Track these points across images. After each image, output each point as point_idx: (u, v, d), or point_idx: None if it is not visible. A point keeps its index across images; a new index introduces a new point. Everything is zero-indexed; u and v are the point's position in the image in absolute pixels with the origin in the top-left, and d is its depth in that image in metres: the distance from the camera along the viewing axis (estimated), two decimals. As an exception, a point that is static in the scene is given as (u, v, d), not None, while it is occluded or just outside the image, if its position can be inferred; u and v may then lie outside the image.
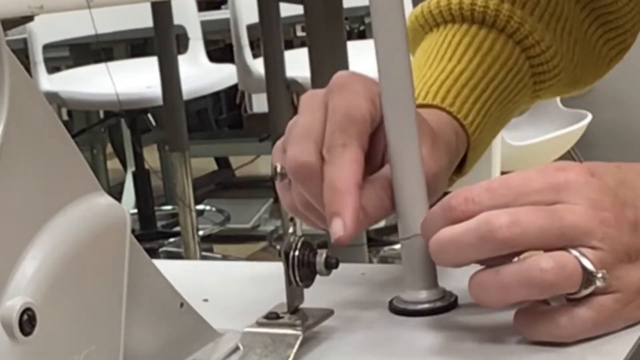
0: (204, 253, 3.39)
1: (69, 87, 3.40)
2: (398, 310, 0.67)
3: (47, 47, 3.47)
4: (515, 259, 0.60)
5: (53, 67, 3.80)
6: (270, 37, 2.81)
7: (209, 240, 3.74)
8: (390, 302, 0.68)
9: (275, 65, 2.82)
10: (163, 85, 3.05)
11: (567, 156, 2.25)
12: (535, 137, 2.27)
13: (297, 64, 2.71)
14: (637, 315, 0.61)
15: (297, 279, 0.63)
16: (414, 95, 0.68)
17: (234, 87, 3.66)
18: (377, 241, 3.20)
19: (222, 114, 5.09)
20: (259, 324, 0.64)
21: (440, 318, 0.66)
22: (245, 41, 3.29)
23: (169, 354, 0.61)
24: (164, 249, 3.67)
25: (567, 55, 0.87)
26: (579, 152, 2.25)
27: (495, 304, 0.60)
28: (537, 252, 0.60)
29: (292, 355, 0.61)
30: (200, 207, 3.84)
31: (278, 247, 3.53)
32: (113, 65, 3.72)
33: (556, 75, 0.86)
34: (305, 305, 0.65)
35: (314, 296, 0.65)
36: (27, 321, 0.50)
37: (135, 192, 3.81)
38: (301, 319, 0.63)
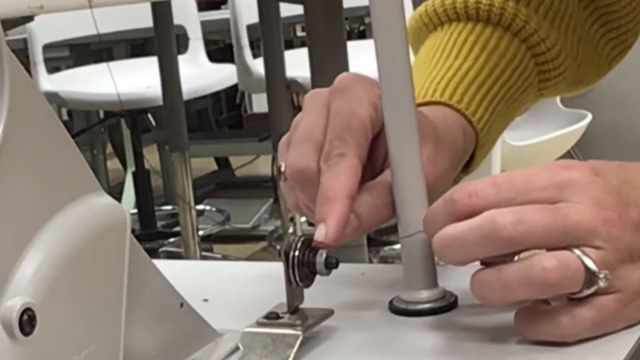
0: (204, 253, 3.39)
1: (69, 87, 3.40)
2: (398, 310, 0.67)
3: (47, 47, 3.47)
4: (516, 257, 0.60)
5: (53, 67, 3.80)
6: (270, 37, 2.81)
7: (209, 240, 3.74)
8: (390, 302, 0.68)
9: (275, 65, 2.83)
10: (163, 85, 3.05)
11: (567, 156, 2.25)
12: (535, 137, 2.27)
13: (297, 64, 2.72)
14: (637, 315, 0.60)
15: (297, 279, 0.63)
16: (414, 95, 0.68)
17: (234, 87, 3.66)
18: (377, 241, 3.20)
19: (222, 114, 5.09)
20: (259, 324, 0.64)
21: (440, 318, 0.66)
22: (245, 41, 3.29)
23: (169, 354, 0.61)
24: (164, 249, 3.67)
25: (572, 53, 0.87)
26: (579, 152, 2.25)
27: (497, 303, 0.60)
28: (538, 251, 0.60)
29: (292, 355, 0.61)
30: (200, 207, 3.84)
31: (278, 247, 3.54)
32: (113, 65, 3.72)
33: (561, 73, 0.87)
34: (305, 305, 0.65)
35: (314, 296, 0.65)
36: (27, 321, 0.50)
37: (135, 192, 3.81)
38: (301, 319, 0.63)
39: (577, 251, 0.59)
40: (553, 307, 0.60)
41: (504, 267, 0.59)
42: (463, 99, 0.80)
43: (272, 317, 0.64)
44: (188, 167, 3.10)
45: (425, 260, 0.66)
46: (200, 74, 3.52)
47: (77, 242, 0.54)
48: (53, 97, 3.28)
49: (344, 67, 2.00)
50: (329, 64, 1.99)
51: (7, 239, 0.51)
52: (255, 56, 3.27)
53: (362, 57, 1.94)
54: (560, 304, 0.60)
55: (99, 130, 4.17)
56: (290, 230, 2.91)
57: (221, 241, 3.82)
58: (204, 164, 4.58)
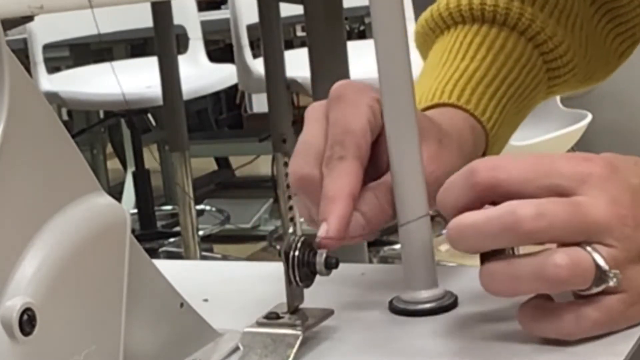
0: (204, 253, 3.39)
1: (69, 87, 3.40)
2: (398, 310, 0.67)
3: (47, 47, 3.47)
4: (519, 250, 0.60)
5: (53, 67, 3.80)
6: (270, 37, 2.81)
7: (209, 240, 3.74)
8: (390, 302, 0.68)
9: (275, 65, 2.83)
10: (163, 85, 3.05)
11: (567, 156, 2.24)
12: (535, 137, 2.27)
13: (297, 64, 2.71)
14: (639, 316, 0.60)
15: (297, 279, 0.63)
16: (414, 95, 0.68)
17: (234, 87, 3.66)
18: (377, 241, 3.20)
19: (222, 114, 5.09)
20: (259, 324, 0.64)
21: (440, 318, 0.66)
22: (245, 41, 3.29)
23: (169, 354, 0.61)
24: (164, 249, 3.67)
25: (580, 50, 0.88)
26: (579, 152, 2.25)
27: (504, 294, 0.60)
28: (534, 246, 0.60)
29: (292, 355, 0.61)
30: (200, 207, 3.84)
31: (278, 247, 3.53)
32: (113, 65, 3.72)
33: (570, 70, 0.87)
34: (305, 305, 0.65)
35: (314, 296, 0.65)
36: (27, 321, 0.50)
37: (135, 192, 3.81)
38: (301, 319, 0.63)
39: (589, 248, 0.58)
40: (558, 304, 0.60)
41: (515, 260, 0.59)
42: (471, 99, 0.80)
43: (272, 317, 0.64)
44: (188, 167, 3.10)
45: (425, 260, 0.66)
46: (200, 74, 3.52)
47: (77, 242, 0.54)
48: (53, 97, 3.27)
49: (344, 67, 2.00)
50: (329, 64, 1.99)
51: (7, 239, 0.51)
52: (255, 56, 3.27)
53: (362, 57, 1.94)
54: (565, 300, 0.60)
55: (99, 130, 4.17)
56: (290, 230, 2.91)
57: (221, 241, 3.82)
58: (204, 164, 4.58)
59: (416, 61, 0.73)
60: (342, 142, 0.68)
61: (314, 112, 0.71)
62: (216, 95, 4.57)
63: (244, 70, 3.28)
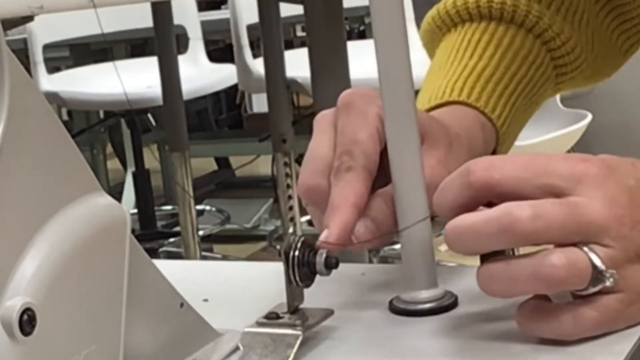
0: (204, 253, 3.39)
1: (69, 87, 3.40)
2: (398, 310, 0.67)
3: (47, 47, 3.47)
4: (516, 252, 0.60)
5: (53, 67, 3.80)
6: (270, 37, 2.81)
7: (209, 240, 3.74)
8: (390, 302, 0.68)
9: (275, 65, 2.83)
10: (163, 85, 3.05)
11: (567, 156, 2.24)
12: (535, 137, 2.27)
13: (297, 64, 2.72)
14: (638, 316, 0.60)
15: (297, 279, 0.63)
16: (414, 95, 0.68)
17: (234, 87, 3.66)
18: (377, 241, 3.19)
19: (222, 114, 5.10)
20: (259, 324, 0.64)
21: (440, 318, 0.66)
22: (245, 41, 3.29)
23: (169, 354, 0.61)
24: (164, 249, 3.67)
25: (587, 46, 0.88)
26: (578, 152, 2.25)
27: (502, 295, 0.60)
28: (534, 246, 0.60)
29: (292, 355, 0.61)
30: (200, 207, 3.84)
31: (278, 247, 3.53)
32: (113, 65, 3.72)
33: (578, 67, 0.87)
34: (305, 305, 0.65)
35: (314, 296, 0.65)
36: (27, 321, 0.50)
37: (135, 192, 3.81)
38: (301, 319, 0.63)
39: (585, 249, 0.58)
40: (556, 305, 0.60)
41: (512, 261, 0.59)
42: (481, 97, 0.80)
43: (272, 317, 0.64)
44: (188, 167, 3.10)
45: (425, 260, 0.66)
46: (200, 74, 3.52)
47: (77, 242, 0.54)
48: (53, 97, 3.27)
49: (344, 67, 2.00)
50: (329, 64, 1.99)
51: (7, 239, 0.51)
52: (255, 56, 3.27)
53: (362, 57, 1.94)
54: (562, 300, 0.60)
55: (99, 130, 4.17)
56: (290, 230, 2.91)
57: (221, 241, 3.82)
58: (204, 164, 4.58)
59: (417, 61, 0.73)
60: (350, 152, 0.68)
61: (323, 121, 0.72)
62: (216, 95, 4.57)
63: (244, 70, 3.28)
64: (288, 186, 2.90)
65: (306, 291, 0.64)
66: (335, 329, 0.65)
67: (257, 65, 3.17)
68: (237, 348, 0.63)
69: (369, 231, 0.67)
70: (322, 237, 0.65)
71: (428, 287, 0.67)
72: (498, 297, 0.60)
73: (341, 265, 0.65)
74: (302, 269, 0.63)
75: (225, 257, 3.65)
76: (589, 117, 2.31)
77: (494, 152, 0.81)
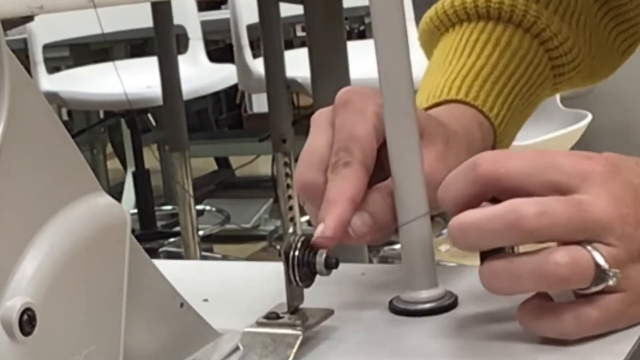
0: (204, 253, 3.39)
1: (69, 87, 3.40)
2: (398, 310, 0.67)
3: (47, 47, 3.47)
4: (517, 249, 0.60)
5: (53, 67, 3.80)
6: (270, 37, 2.81)
7: (209, 240, 3.74)
8: (390, 302, 0.68)
9: (275, 65, 2.83)
10: (163, 85, 3.05)
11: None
12: (535, 137, 2.27)
13: (297, 64, 2.72)
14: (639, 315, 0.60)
15: (297, 279, 0.63)
16: (414, 94, 0.68)
17: (234, 87, 3.66)
18: (377, 241, 3.19)
19: (222, 114, 5.10)
20: (259, 324, 0.64)
21: (440, 318, 0.66)
22: (245, 41, 3.29)
23: (169, 354, 0.61)
24: (164, 249, 3.67)
25: (585, 47, 0.88)
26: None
27: (504, 293, 0.60)
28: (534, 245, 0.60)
29: (292, 355, 0.61)
30: (200, 207, 3.84)
31: (278, 247, 3.53)
32: (113, 65, 3.72)
33: (575, 67, 0.87)
34: (305, 305, 0.65)
35: (314, 296, 0.65)
36: (27, 321, 0.50)
37: (135, 192, 3.81)
38: (301, 319, 0.63)
39: (589, 247, 0.58)
40: (558, 304, 0.60)
41: (515, 258, 0.59)
42: (479, 96, 0.80)
43: (272, 317, 0.64)
44: (188, 167, 3.10)
45: (425, 260, 0.66)
46: (200, 74, 3.52)
47: (77, 242, 0.54)
48: (53, 97, 3.27)
49: (344, 67, 2.00)
50: (329, 64, 1.99)
51: (7, 239, 0.51)
52: (255, 56, 3.27)
53: (362, 57, 1.94)
54: (564, 299, 0.60)
55: (99, 130, 4.17)
56: (290, 230, 2.91)
57: (221, 241, 3.82)
58: (204, 164, 4.58)
59: (416, 61, 0.73)
60: (348, 147, 0.68)
61: (320, 118, 0.72)
62: (216, 95, 4.57)
63: (244, 70, 3.28)
64: (288, 186, 2.90)
65: (306, 291, 0.64)
66: (335, 329, 0.65)
67: (257, 65, 3.17)
68: (237, 348, 0.63)
69: (366, 225, 0.67)
70: (317, 232, 0.65)
71: (428, 287, 0.67)
72: (500, 295, 0.60)
73: (341, 265, 0.65)
74: (302, 269, 0.63)
75: (225, 257, 3.65)
76: (589, 117, 2.31)
77: None
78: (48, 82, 3.39)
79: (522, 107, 0.85)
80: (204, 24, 3.67)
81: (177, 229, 3.38)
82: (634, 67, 0.98)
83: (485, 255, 0.60)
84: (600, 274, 0.58)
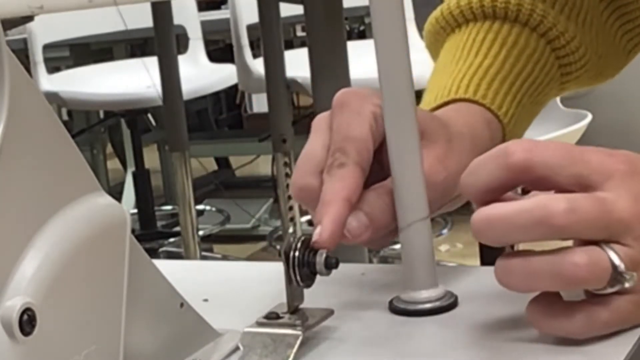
0: (204, 253, 3.39)
1: (69, 87, 3.40)
2: (398, 310, 0.67)
3: (47, 47, 3.47)
4: (516, 247, 0.60)
5: (53, 67, 3.80)
6: (270, 37, 2.81)
7: (209, 240, 3.74)
8: (390, 302, 0.68)
9: (275, 65, 2.83)
10: (163, 85, 3.05)
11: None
12: (536, 137, 2.26)
13: (297, 64, 2.72)
14: None
15: (297, 279, 0.63)
16: (414, 94, 0.68)
17: (234, 87, 3.66)
18: (376, 241, 3.19)
19: (222, 114, 5.10)
20: (259, 324, 0.64)
21: (440, 318, 0.66)
22: (245, 41, 3.29)
23: (169, 354, 0.61)
24: (164, 249, 3.67)
25: (591, 46, 0.88)
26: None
27: (518, 289, 0.59)
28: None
29: (292, 355, 0.61)
30: (200, 207, 3.84)
31: (278, 247, 3.53)
32: (113, 65, 3.72)
33: (583, 66, 0.87)
34: (305, 305, 0.65)
35: (314, 296, 0.65)
36: (27, 321, 0.50)
37: (135, 192, 3.81)
38: (301, 319, 0.63)
39: (606, 248, 0.58)
40: (569, 303, 0.60)
41: (532, 257, 0.58)
42: (487, 94, 0.80)
43: (272, 317, 0.64)
44: (188, 167, 3.10)
45: (425, 260, 0.66)
46: (200, 74, 3.52)
47: (77, 242, 0.54)
48: (53, 97, 3.27)
49: (344, 67, 2.00)
50: (329, 64, 1.99)
51: (7, 239, 0.51)
52: (255, 56, 3.27)
53: (362, 57, 1.94)
54: (573, 297, 0.60)
55: (99, 130, 4.18)
56: (290, 230, 2.91)
57: (221, 241, 3.82)
58: (204, 164, 4.58)
59: (416, 61, 0.73)
60: (343, 148, 0.68)
61: (319, 122, 0.72)
62: (216, 95, 4.57)
63: (244, 70, 3.28)
64: (288, 186, 2.90)
65: (306, 291, 0.64)
66: (335, 329, 0.65)
67: (257, 65, 3.17)
68: (237, 348, 0.63)
69: (362, 224, 0.67)
70: (315, 234, 0.65)
71: (428, 287, 0.67)
72: (514, 291, 0.59)
73: (341, 265, 0.65)
74: (302, 269, 0.63)
75: (225, 257, 3.65)
76: (589, 117, 2.31)
77: None
78: (48, 82, 3.39)
79: (530, 106, 0.85)
80: (204, 24, 3.67)
81: (177, 229, 3.38)
82: (635, 68, 0.98)
83: (487, 254, 0.60)
84: (616, 275, 0.58)
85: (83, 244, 0.54)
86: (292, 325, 0.63)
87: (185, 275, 0.69)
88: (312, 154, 0.70)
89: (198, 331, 0.64)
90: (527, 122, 0.86)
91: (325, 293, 0.68)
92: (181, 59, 3.17)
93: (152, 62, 3.17)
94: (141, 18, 3.31)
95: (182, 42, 3.54)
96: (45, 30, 3.42)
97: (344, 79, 1.97)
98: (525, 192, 0.62)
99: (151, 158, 4.06)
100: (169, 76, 3.03)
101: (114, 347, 0.56)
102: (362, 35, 4.33)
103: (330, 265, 0.64)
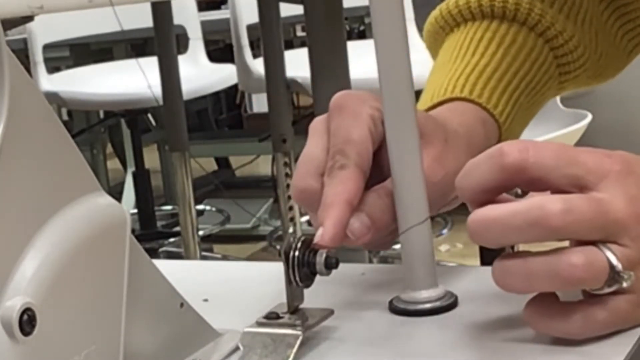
0: (204, 253, 3.39)
1: (69, 87, 3.40)
2: (398, 310, 0.67)
3: (47, 47, 3.47)
4: (516, 248, 0.60)
5: (53, 67, 3.80)
6: (270, 37, 2.81)
7: (209, 240, 3.74)
8: (390, 302, 0.68)
9: (275, 65, 2.83)
10: (163, 85, 3.05)
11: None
12: (535, 137, 2.26)
13: (297, 64, 2.72)
14: None
15: (297, 279, 0.63)
16: (414, 94, 0.68)
17: (234, 87, 3.66)
18: (376, 241, 3.19)
19: (222, 114, 5.10)
20: (259, 324, 0.64)
21: (440, 318, 0.66)
22: (245, 41, 3.29)
23: (169, 354, 0.61)
24: (164, 249, 3.67)
25: (591, 45, 0.88)
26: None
27: (516, 290, 0.59)
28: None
29: (292, 355, 0.61)
30: (200, 207, 3.84)
31: (278, 247, 3.54)
32: (113, 65, 3.72)
33: (581, 65, 0.87)
34: (305, 305, 0.65)
35: (314, 296, 0.65)
36: (27, 321, 0.50)
37: (135, 192, 3.81)
38: (301, 319, 0.63)
39: (603, 248, 0.58)
40: (566, 303, 0.60)
41: (529, 257, 0.58)
42: (483, 93, 0.81)
43: (272, 317, 0.64)
44: (188, 167, 3.10)
45: (425, 260, 0.66)
46: (200, 74, 3.52)
47: (77, 242, 0.54)
48: (53, 97, 3.27)
49: (344, 67, 2.00)
50: (329, 64, 1.99)
51: (7, 239, 0.51)
52: (255, 56, 3.27)
53: (362, 57, 1.94)
54: (570, 297, 0.60)
55: (99, 130, 4.18)
56: (290, 230, 2.91)
57: (221, 241, 3.82)
58: (204, 164, 4.58)
59: (416, 61, 0.73)
60: (343, 151, 0.68)
61: (316, 125, 0.72)
62: (216, 95, 4.57)
63: (244, 70, 3.28)
64: (288, 186, 2.90)
65: (306, 291, 0.64)
66: (335, 329, 0.65)
67: (257, 65, 3.17)
68: (237, 348, 0.63)
69: (364, 226, 0.67)
70: (317, 236, 0.65)
71: (428, 287, 0.67)
72: (512, 292, 0.59)
73: (341, 265, 0.65)
74: (302, 269, 0.63)
75: (225, 257, 3.65)
76: (589, 117, 2.31)
77: None
78: (48, 82, 3.39)
79: (528, 105, 0.85)
80: (204, 24, 3.67)
81: (177, 229, 3.38)
82: (635, 68, 0.98)
83: (487, 254, 0.60)
84: (614, 275, 0.58)
85: (83, 244, 0.54)
86: (292, 325, 0.63)
87: (185, 275, 0.69)
88: (312, 157, 0.70)
89: (198, 331, 0.64)
90: (526, 121, 0.86)
91: (325, 293, 0.69)
92: (181, 59, 3.17)
93: (152, 62, 3.17)
94: (141, 18, 3.31)
95: (182, 42, 3.54)
96: (45, 30, 3.42)
97: (344, 79, 1.97)
98: (524, 193, 0.62)
99: (151, 158, 4.05)
100: (169, 76, 3.03)
101: (114, 347, 0.56)
102: (362, 35, 4.33)
103: (330, 265, 0.64)
